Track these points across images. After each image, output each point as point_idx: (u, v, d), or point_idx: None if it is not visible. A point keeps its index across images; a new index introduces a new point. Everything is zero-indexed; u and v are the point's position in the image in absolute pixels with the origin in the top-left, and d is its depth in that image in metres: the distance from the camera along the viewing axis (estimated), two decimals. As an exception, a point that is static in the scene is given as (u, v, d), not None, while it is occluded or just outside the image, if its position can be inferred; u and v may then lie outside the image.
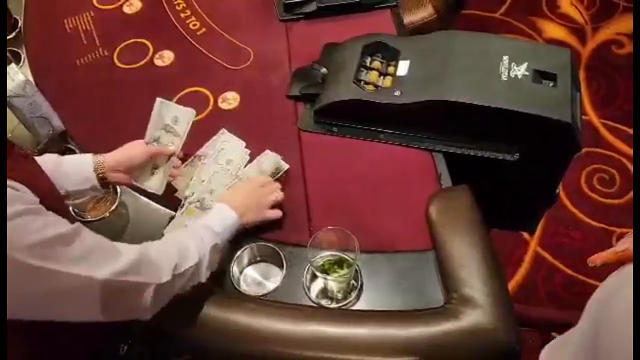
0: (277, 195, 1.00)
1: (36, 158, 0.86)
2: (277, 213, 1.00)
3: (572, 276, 1.71)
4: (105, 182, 0.97)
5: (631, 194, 1.86)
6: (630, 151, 1.94)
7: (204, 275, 0.85)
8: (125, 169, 0.98)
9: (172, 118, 1.04)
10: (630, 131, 1.99)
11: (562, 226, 1.82)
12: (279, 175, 1.06)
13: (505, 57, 1.05)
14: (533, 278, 1.71)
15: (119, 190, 1.06)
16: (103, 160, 0.96)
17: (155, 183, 1.03)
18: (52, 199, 0.73)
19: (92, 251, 0.70)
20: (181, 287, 0.82)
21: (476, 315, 0.86)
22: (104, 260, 0.70)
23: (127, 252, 0.74)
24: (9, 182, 0.65)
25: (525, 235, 1.79)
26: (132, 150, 1.00)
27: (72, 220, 0.75)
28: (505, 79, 1.02)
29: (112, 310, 0.73)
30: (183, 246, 0.83)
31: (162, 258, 0.78)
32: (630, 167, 1.91)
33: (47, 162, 0.88)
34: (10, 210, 0.61)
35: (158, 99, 1.04)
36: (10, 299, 0.63)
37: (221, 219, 0.92)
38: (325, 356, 0.85)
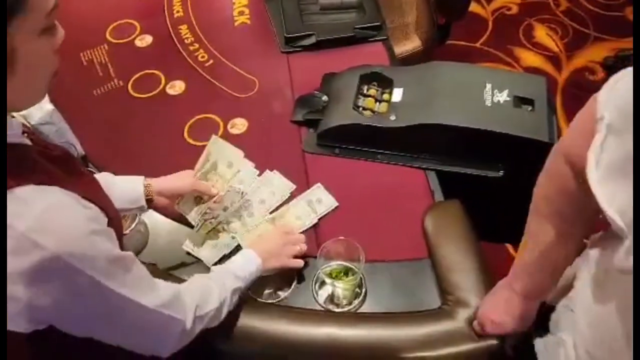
0: (301, 247, 1.05)
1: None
2: (298, 263, 1.03)
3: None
4: (150, 205, 1.03)
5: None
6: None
7: (223, 316, 0.88)
8: (170, 196, 1.05)
9: (224, 161, 1.11)
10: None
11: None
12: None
13: (488, 85, 1.17)
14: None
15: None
16: (150, 184, 1.02)
17: (195, 213, 1.08)
18: (116, 221, 0.76)
19: (142, 279, 0.74)
20: (201, 328, 0.83)
21: (470, 314, 0.95)
22: (150, 291, 0.74)
23: (165, 287, 0.77)
24: (85, 203, 0.66)
25: (510, 249, 1.91)
26: (180, 182, 1.05)
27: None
28: (489, 104, 1.15)
29: (139, 339, 0.76)
30: (206, 290, 0.85)
31: (189, 299, 0.80)
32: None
33: (101, 180, 0.91)
34: (88, 227, 0.64)
35: (213, 136, 1.10)
36: (71, 313, 0.66)
37: (245, 262, 0.96)
38: (335, 355, 0.94)
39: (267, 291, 1.05)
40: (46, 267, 0.61)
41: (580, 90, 2.30)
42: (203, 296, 0.84)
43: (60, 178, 0.66)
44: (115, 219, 0.76)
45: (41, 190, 0.62)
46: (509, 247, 1.90)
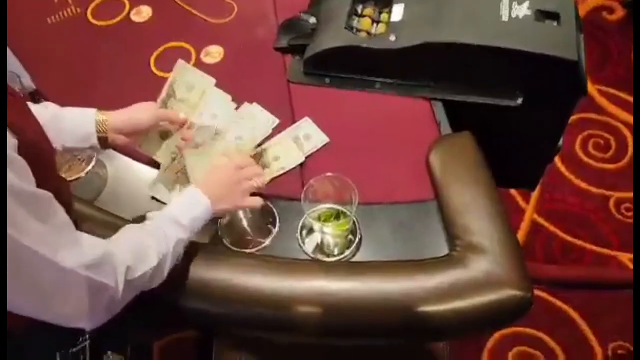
0: (258, 181, 0.85)
1: (35, 105, 0.75)
2: (255, 201, 0.85)
3: (571, 242, 1.67)
4: (106, 144, 0.86)
5: (626, 158, 1.83)
6: (625, 116, 1.91)
7: (166, 273, 0.74)
8: (130, 132, 0.87)
9: (193, 89, 0.95)
10: (625, 96, 1.95)
11: (558, 192, 1.78)
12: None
13: (505, -3, 0.99)
14: (531, 245, 1.67)
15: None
16: (106, 119, 0.85)
17: (163, 153, 0.93)
18: (38, 149, 0.62)
19: (60, 230, 0.59)
20: (135, 294, 0.69)
21: (485, 262, 0.80)
22: (71, 246, 0.59)
23: (91, 245, 0.63)
24: None
25: (521, 202, 1.75)
26: (141, 114, 0.87)
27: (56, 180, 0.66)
28: (506, 19, 0.97)
29: (56, 308, 0.60)
30: (141, 247, 0.70)
31: (119, 259, 0.65)
32: (625, 132, 1.88)
33: (46, 113, 0.78)
34: None
35: (179, 61, 0.94)
36: None
37: (189, 205, 0.78)
38: (326, 312, 0.79)
39: (243, 238, 0.89)
40: None
41: (597, 30, 2.11)
42: (137, 255, 0.68)
43: None
44: (38, 148, 0.61)
45: None
46: (518, 197, 1.75)
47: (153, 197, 0.95)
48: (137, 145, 0.91)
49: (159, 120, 0.89)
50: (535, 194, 1.77)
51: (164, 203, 0.92)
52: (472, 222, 0.84)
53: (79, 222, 0.78)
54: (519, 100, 0.99)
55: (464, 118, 1.00)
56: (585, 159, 1.83)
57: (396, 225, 0.89)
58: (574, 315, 1.53)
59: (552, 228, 1.70)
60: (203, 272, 0.82)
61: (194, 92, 0.96)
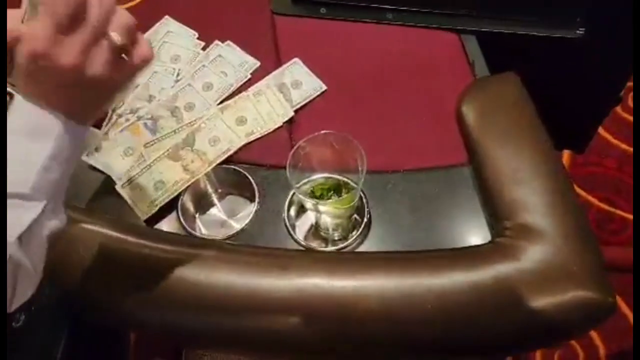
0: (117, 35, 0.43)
1: None
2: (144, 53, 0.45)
3: (609, 211, 1.45)
4: None
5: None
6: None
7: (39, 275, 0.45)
8: None
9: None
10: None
11: (593, 154, 1.54)
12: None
13: None
14: (562, 216, 1.44)
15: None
16: None
17: None
18: None
19: None
20: None
21: (545, 252, 0.57)
22: None
23: None
24: None
25: (566, 159, 1.52)
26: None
27: None
28: None
29: None
30: None
31: None
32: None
33: None
34: None
35: None
36: None
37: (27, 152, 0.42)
38: (321, 324, 0.57)
39: (210, 221, 0.67)
40: None
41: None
42: None
43: None
44: None
45: None
46: (566, 157, 1.50)
47: (91, 167, 0.71)
48: None
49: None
50: (566, 157, 1.54)
51: (102, 172, 0.69)
52: (525, 196, 0.60)
53: None
54: (580, 31, 0.74)
55: (505, 56, 0.75)
56: (624, 114, 1.59)
57: (417, 201, 0.66)
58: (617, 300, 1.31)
59: (586, 196, 1.48)
60: (155, 268, 0.59)
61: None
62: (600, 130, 1.56)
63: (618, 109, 1.59)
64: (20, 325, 0.59)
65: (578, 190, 1.48)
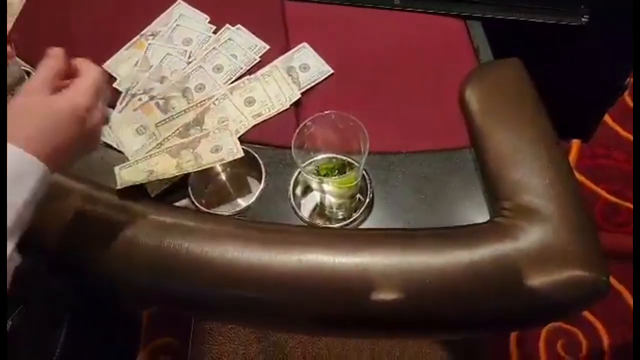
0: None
1: None
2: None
3: (616, 203, 1.45)
4: None
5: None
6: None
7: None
8: None
9: None
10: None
11: (601, 146, 1.54)
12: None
13: None
14: (569, 206, 1.45)
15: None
16: None
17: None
18: None
19: None
20: None
21: (543, 231, 0.59)
22: None
23: None
24: None
25: (574, 147, 1.52)
26: None
27: None
28: None
29: None
30: None
31: None
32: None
33: None
34: None
35: None
36: None
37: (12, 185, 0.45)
38: (325, 296, 0.59)
39: (220, 198, 0.69)
40: None
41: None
42: None
43: None
44: None
45: None
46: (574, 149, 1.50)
47: (106, 144, 0.74)
48: None
49: None
50: (574, 148, 1.54)
51: (117, 150, 0.72)
52: (525, 177, 0.62)
53: None
54: (585, 18, 0.75)
55: (508, 43, 0.76)
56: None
57: (419, 182, 0.68)
58: (620, 288, 1.32)
59: (594, 187, 1.48)
60: (165, 240, 0.61)
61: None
62: (610, 121, 1.56)
63: (628, 100, 1.58)
64: (11, 326, 0.60)
65: (586, 181, 1.48)
